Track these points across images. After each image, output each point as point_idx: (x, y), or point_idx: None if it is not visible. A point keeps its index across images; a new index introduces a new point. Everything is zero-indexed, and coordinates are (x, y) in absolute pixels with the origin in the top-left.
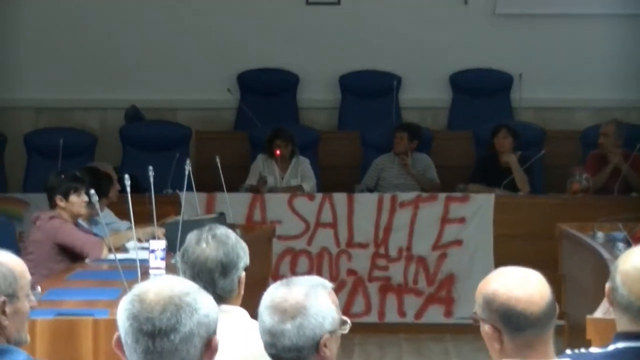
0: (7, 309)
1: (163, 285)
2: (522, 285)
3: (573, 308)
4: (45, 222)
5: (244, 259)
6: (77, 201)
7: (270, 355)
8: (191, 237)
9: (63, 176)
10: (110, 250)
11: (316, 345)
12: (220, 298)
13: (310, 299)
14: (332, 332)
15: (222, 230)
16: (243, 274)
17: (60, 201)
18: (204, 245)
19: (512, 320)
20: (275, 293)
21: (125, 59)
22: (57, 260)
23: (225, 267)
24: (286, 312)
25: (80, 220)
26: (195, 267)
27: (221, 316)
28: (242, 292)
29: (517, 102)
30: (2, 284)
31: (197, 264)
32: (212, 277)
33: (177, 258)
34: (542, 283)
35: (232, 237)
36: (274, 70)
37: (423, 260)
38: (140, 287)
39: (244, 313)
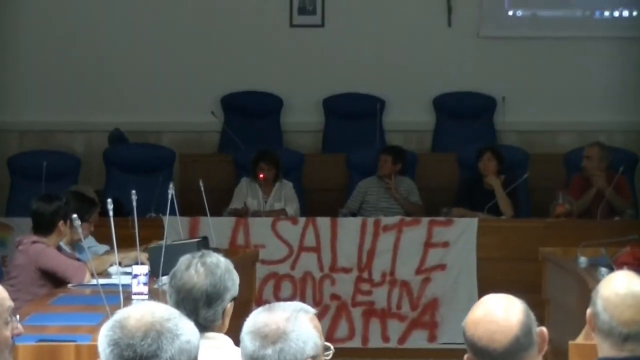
0: None
1: (144, 311)
2: (486, 321)
3: (556, 333)
4: (27, 246)
5: (232, 290)
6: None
7: None
8: (182, 261)
9: (65, 200)
10: (92, 275)
11: None
12: (203, 327)
13: (291, 324)
14: (314, 357)
15: (213, 259)
16: (229, 305)
17: (62, 226)
18: (192, 272)
19: (477, 354)
20: (256, 318)
21: (109, 81)
22: (40, 284)
23: (210, 298)
24: (267, 337)
25: (62, 245)
26: (180, 293)
27: (205, 343)
28: (227, 323)
29: (501, 124)
30: None
31: (182, 291)
32: (196, 305)
33: (167, 280)
34: (512, 316)
35: (223, 266)
36: (257, 93)
37: (407, 285)
38: (121, 313)
39: (228, 340)
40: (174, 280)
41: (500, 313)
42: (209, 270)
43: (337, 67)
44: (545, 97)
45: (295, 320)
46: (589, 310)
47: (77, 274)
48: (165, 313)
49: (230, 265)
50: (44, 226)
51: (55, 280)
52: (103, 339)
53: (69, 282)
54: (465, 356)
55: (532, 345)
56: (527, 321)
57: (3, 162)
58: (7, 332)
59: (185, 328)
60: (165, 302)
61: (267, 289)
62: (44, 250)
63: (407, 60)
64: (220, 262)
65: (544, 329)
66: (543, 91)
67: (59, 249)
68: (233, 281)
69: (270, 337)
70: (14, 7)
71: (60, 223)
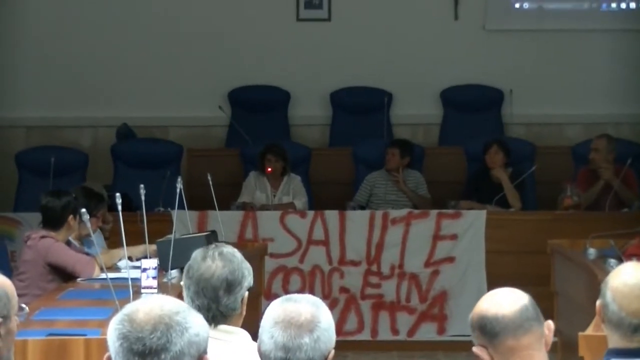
0: (2, 330)
1: (153, 304)
2: (491, 297)
3: (566, 325)
4: (36, 241)
5: (249, 278)
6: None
7: None
8: (197, 254)
9: (74, 195)
10: (102, 269)
11: None
12: (223, 316)
13: (320, 313)
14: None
15: (228, 249)
16: (246, 294)
17: (72, 221)
18: (210, 262)
19: (487, 327)
20: (284, 308)
21: (117, 76)
22: (49, 279)
23: (231, 285)
24: (302, 326)
25: (71, 239)
26: (200, 283)
27: (223, 336)
28: (244, 312)
29: (508, 117)
30: None
31: (201, 280)
32: (216, 294)
33: (183, 274)
34: (516, 294)
35: (238, 256)
36: (265, 87)
37: (415, 277)
38: (129, 307)
39: (246, 335)
40: (191, 271)
41: (507, 292)
42: (226, 259)
43: (344, 61)
44: (553, 90)
45: (321, 310)
46: (598, 302)
47: (87, 268)
48: (174, 306)
49: (242, 256)
50: (54, 221)
51: (64, 275)
52: (112, 333)
53: (78, 277)
54: (474, 348)
55: (540, 322)
56: (533, 303)
57: (11, 157)
58: (15, 324)
59: (194, 321)
60: (174, 295)
61: (276, 282)
62: (53, 245)
63: (414, 53)
64: (235, 251)
65: (550, 321)
66: (550, 84)
67: (68, 243)
68: (249, 270)
69: (306, 326)
70: (20, 3)
71: (70, 218)
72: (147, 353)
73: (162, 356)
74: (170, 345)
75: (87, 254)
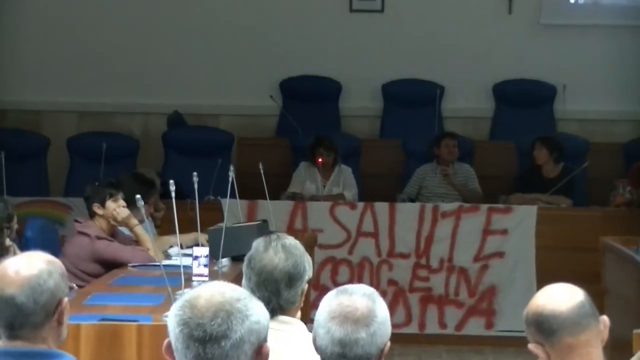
0: None
1: (214, 291)
2: (547, 293)
3: (616, 322)
4: (92, 241)
5: (309, 271)
6: (113, 206)
7: None
8: (259, 243)
9: (97, 184)
10: (156, 256)
11: (380, 353)
12: (282, 309)
13: (377, 307)
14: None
15: (290, 241)
16: (306, 286)
17: (98, 209)
18: (272, 253)
19: (544, 325)
20: (339, 302)
21: (168, 63)
22: (95, 272)
23: (292, 279)
24: (359, 321)
25: (121, 228)
26: (261, 275)
27: (281, 327)
28: (302, 304)
29: (561, 113)
30: (62, 284)
31: (263, 272)
32: (277, 287)
33: (244, 263)
34: (572, 290)
35: (300, 248)
36: (316, 77)
37: (464, 272)
38: (191, 293)
39: (302, 326)
40: (253, 262)
41: (563, 287)
42: (288, 251)
43: (396, 53)
44: (605, 86)
45: (377, 303)
46: None
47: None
48: (235, 293)
49: (303, 248)
50: (88, 210)
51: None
52: (173, 319)
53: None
54: (530, 345)
55: (597, 319)
56: (589, 298)
57: (62, 143)
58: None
59: (255, 309)
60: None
61: (324, 273)
62: (108, 247)
63: (467, 46)
64: (297, 243)
65: (605, 316)
66: (603, 80)
67: (114, 235)
68: (309, 263)
69: (363, 321)
70: None
71: (96, 206)
72: (207, 339)
73: (222, 343)
74: (230, 332)
75: (136, 242)
